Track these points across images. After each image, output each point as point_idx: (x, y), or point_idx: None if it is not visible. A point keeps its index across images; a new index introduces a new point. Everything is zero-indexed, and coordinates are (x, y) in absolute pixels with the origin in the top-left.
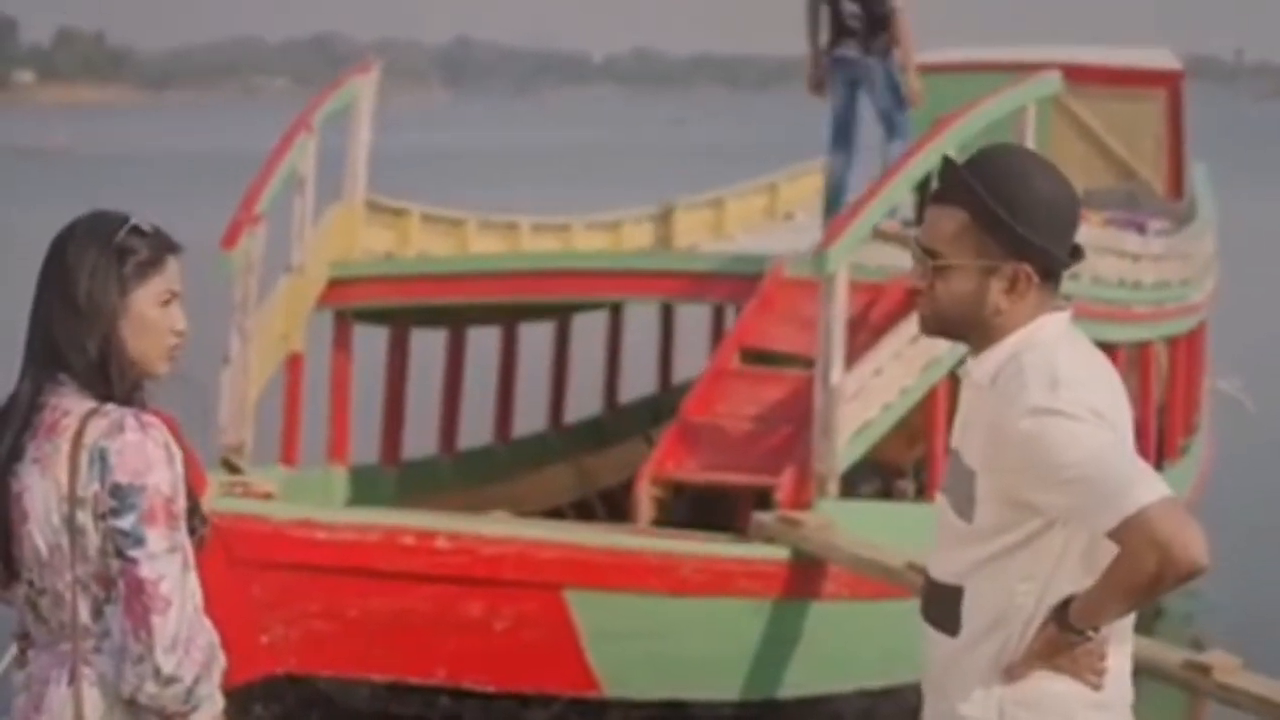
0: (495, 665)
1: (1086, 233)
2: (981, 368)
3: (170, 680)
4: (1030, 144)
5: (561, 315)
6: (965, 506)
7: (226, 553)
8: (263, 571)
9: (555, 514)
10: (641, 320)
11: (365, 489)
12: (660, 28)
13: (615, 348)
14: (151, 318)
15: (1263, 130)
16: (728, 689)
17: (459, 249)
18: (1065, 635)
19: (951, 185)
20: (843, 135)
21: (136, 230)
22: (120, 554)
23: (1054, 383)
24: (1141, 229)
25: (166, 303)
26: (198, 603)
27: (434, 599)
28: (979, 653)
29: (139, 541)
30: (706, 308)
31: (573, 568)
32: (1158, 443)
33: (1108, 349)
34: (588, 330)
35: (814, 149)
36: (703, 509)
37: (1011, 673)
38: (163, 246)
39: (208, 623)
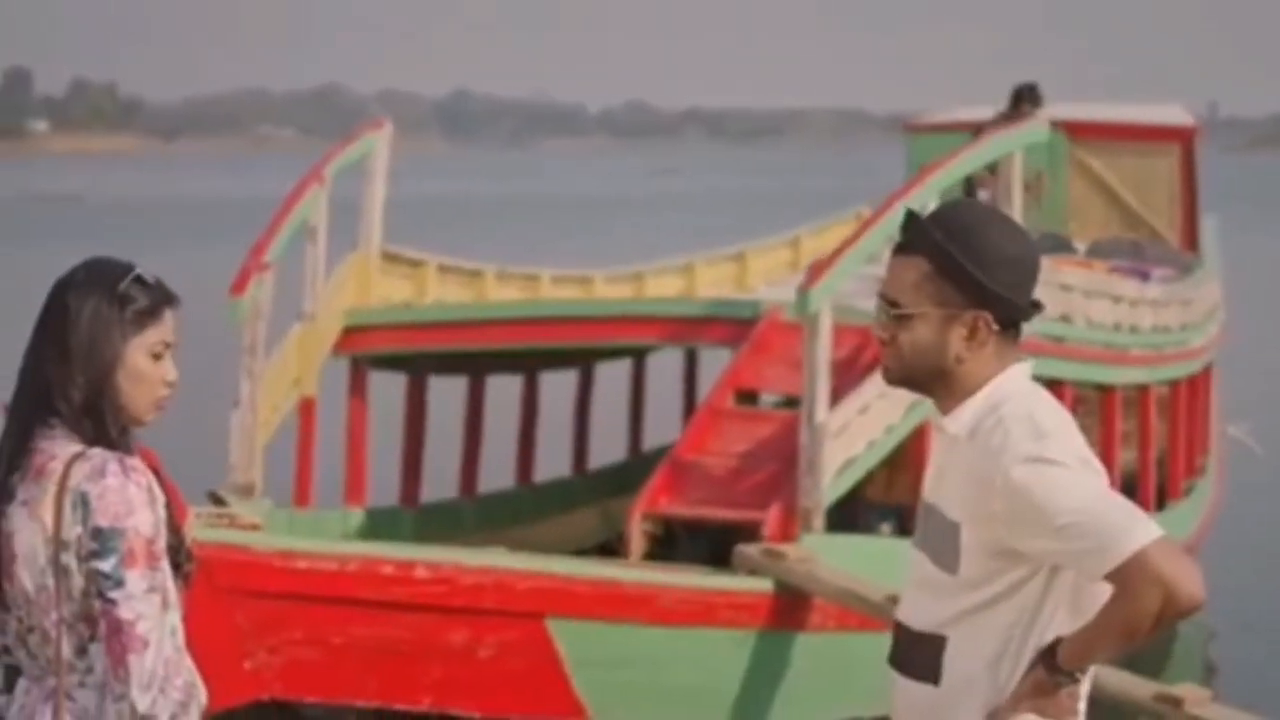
0: (481, 692)
1: (1081, 276)
2: (958, 420)
3: (145, 718)
4: (1016, 191)
5: (584, 362)
6: (949, 559)
7: (209, 582)
8: (245, 600)
9: (579, 556)
10: (666, 367)
11: (383, 530)
12: (652, 81)
13: (639, 394)
14: (143, 368)
15: (1239, 182)
16: (715, 717)
17: (477, 299)
18: (1053, 678)
19: (913, 236)
20: None
21: (139, 280)
22: (101, 595)
23: (1040, 433)
24: (1145, 277)
25: (159, 355)
26: (179, 642)
27: (416, 627)
28: (961, 701)
29: (119, 583)
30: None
31: (553, 597)
32: (1159, 482)
33: (1103, 390)
34: (611, 378)
35: (800, 198)
36: (720, 548)
37: (996, 717)
38: (162, 299)
39: (188, 662)
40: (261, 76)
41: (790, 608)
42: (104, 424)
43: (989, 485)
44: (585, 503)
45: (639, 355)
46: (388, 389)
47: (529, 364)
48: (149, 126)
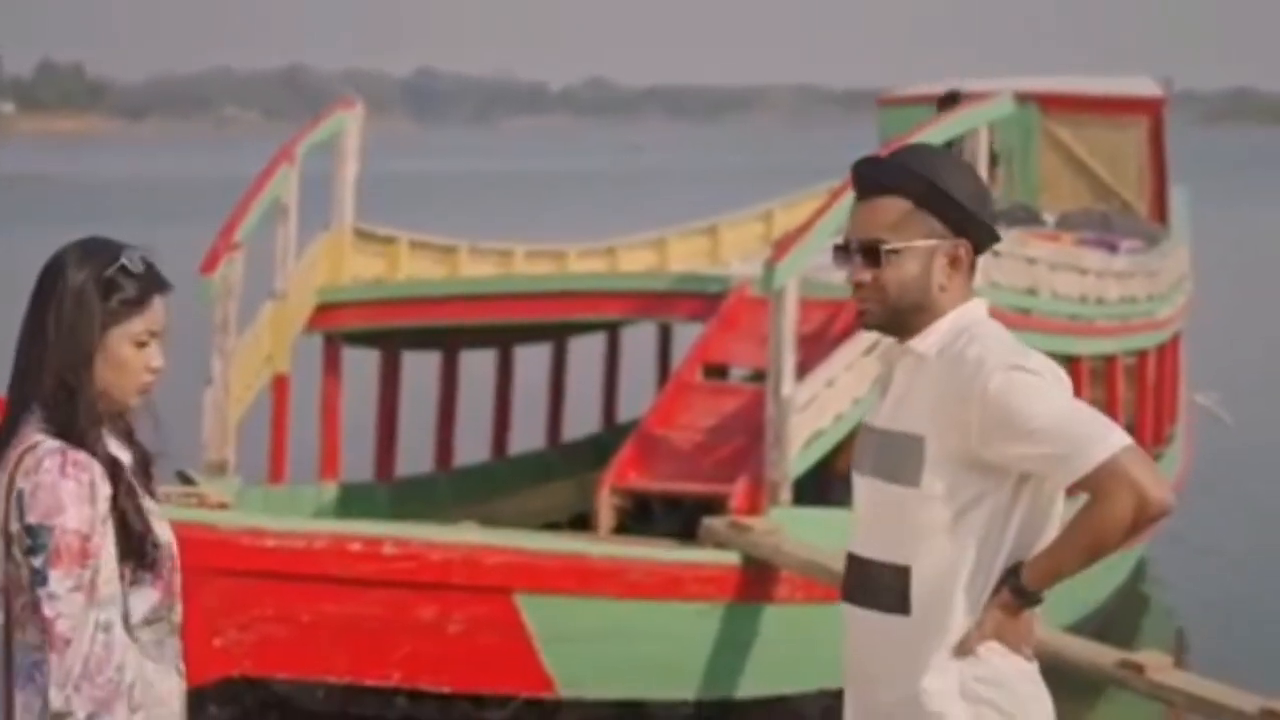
0: (450, 667)
1: (1047, 250)
2: (925, 341)
3: (59, 715)
4: (981, 166)
5: (558, 336)
6: (910, 474)
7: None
8: (214, 578)
9: (552, 528)
10: (640, 340)
11: (358, 504)
12: (613, 59)
13: (613, 367)
14: (126, 356)
15: (1198, 156)
16: (684, 689)
17: (450, 274)
18: (1018, 600)
19: (885, 176)
20: None
21: (125, 269)
22: (33, 589)
23: (1017, 349)
24: (1113, 249)
25: (144, 343)
26: (113, 639)
27: (385, 603)
28: (936, 628)
29: (43, 581)
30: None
31: (521, 572)
32: None
33: (1069, 362)
34: (586, 352)
35: (764, 175)
36: (695, 521)
37: (963, 647)
38: (150, 287)
39: (131, 658)
40: (227, 56)
41: (757, 580)
42: (74, 413)
43: (966, 395)
44: (560, 475)
45: (612, 329)
46: (361, 365)
47: (503, 338)
48: (116, 107)
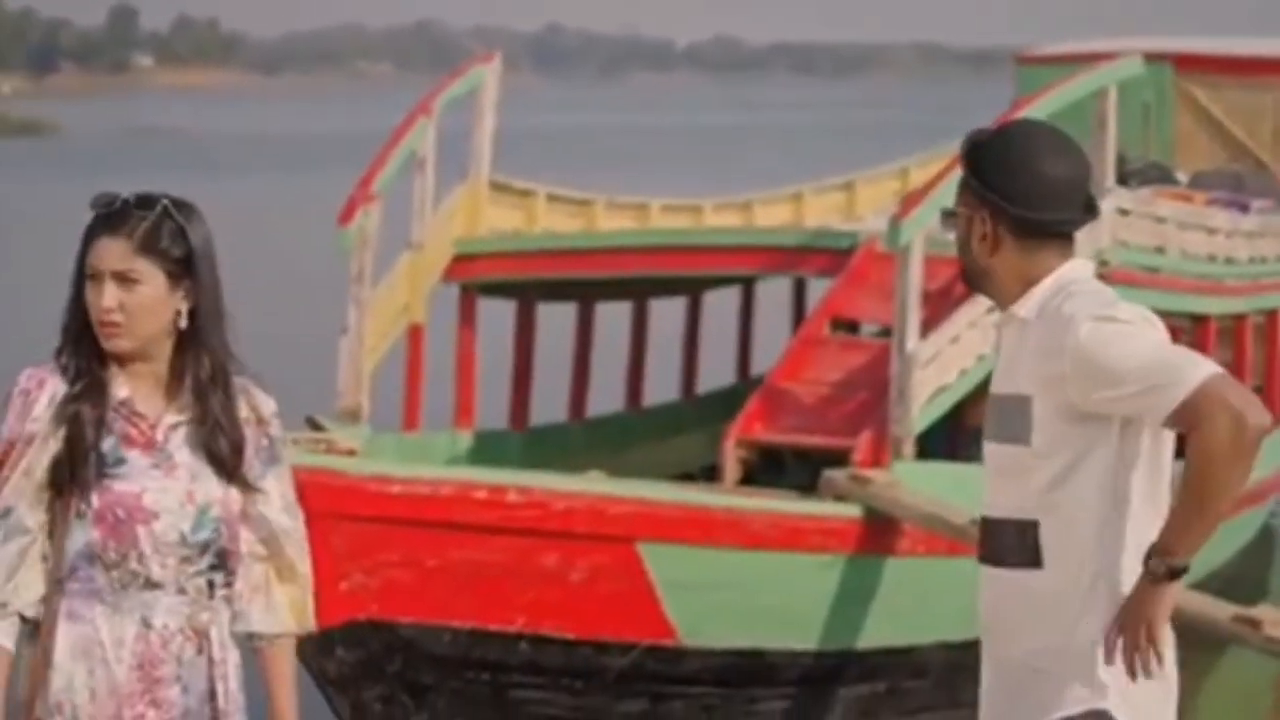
0: (573, 614)
1: (1175, 208)
2: (1025, 305)
3: None
4: (1110, 126)
5: (693, 290)
6: (1022, 432)
7: (304, 505)
8: (340, 523)
9: (685, 478)
10: (777, 294)
11: (491, 452)
12: (739, 16)
13: (748, 321)
14: (88, 294)
15: None
16: (805, 638)
17: (587, 228)
18: (1168, 578)
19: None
20: None
21: (95, 210)
22: None
23: (1108, 300)
24: (1245, 209)
25: (92, 279)
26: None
27: (509, 550)
28: (1069, 579)
29: None
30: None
31: (643, 521)
32: None
33: (1198, 320)
34: (720, 306)
35: (887, 134)
36: None
37: (1113, 644)
38: (92, 225)
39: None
40: (359, 12)
41: (878, 533)
42: (64, 346)
43: (1060, 349)
44: (693, 427)
45: (747, 283)
46: (497, 317)
47: (638, 291)
48: (249, 62)
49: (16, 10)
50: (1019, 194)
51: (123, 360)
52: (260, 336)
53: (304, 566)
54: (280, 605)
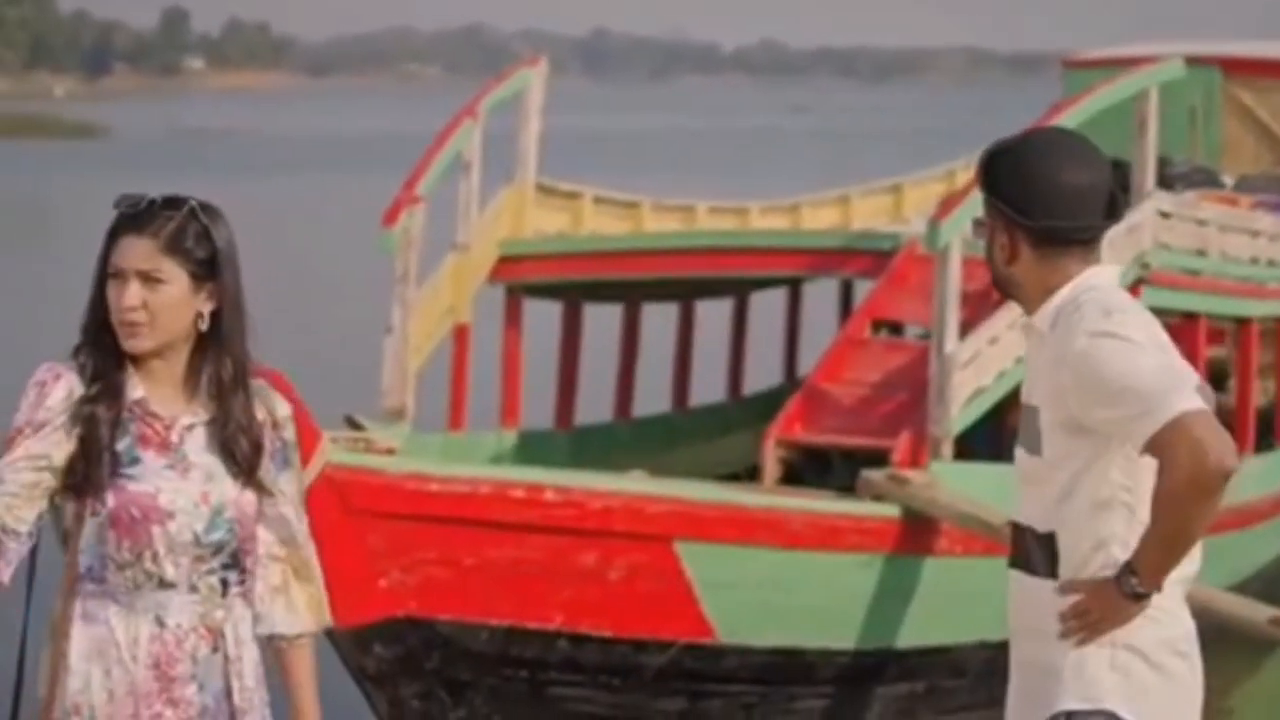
0: (611, 611)
1: (1216, 211)
2: (1042, 317)
3: None
4: (1151, 129)
5: (739, 291)
6: (1035, 443)
7: (344, 503)
8: (378, 521)
9: (731, 478)
10: (824, 296)
11: (537, 452)
12: (784, 20)
13: (794, 322)
14: (109, 293)
15: None
16: (843, 637)
17: (634, 230)
18: (1129, 600)
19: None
20: None
21: (119, 209)
22: None
23: (1107, 311)
24: None
25: (114, 277)
26: None
27: (547, 548)
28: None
29: None
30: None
31: (681, 520)
32: None
33: (1241, 323)
34: (768, 307)
35: (928, 137)
36: None
37: (1064, 626)
38: (116, 224)
39: None
40: (408, 15)
41: (916, 533)
42: (83, 345)
43: (1062, 360)
44: (739, 427)
45: (794, 284)
46: (542, 319)
47: (685, 292)
48: (300, 64)
49: (71, 13)
50: (1031, 204)
51: (140, 360)
52: (306, 334)
53: (317, 564)
54: (300, 605)
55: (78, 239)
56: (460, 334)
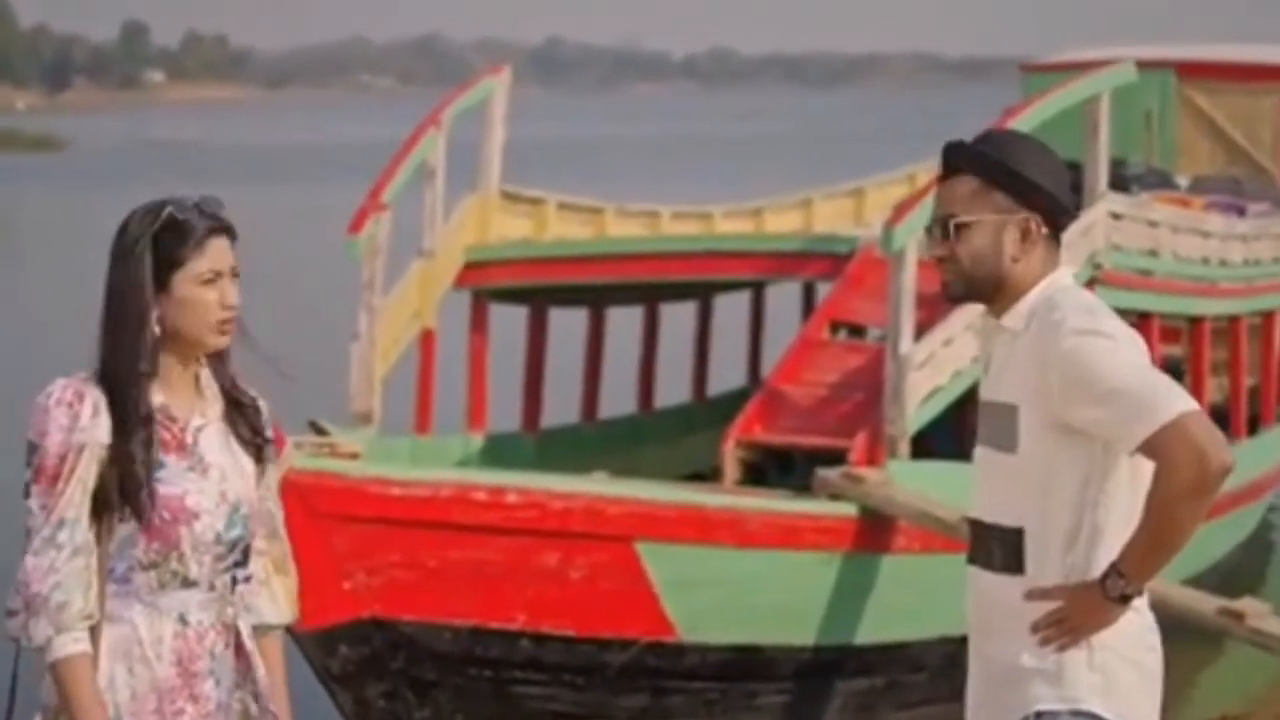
0: (573, 611)
1: (1168, 212)
2: (1015, 316)
3: (8, 613)
4: (1103, 132)
5: (703, 295)
6: (1009, 440)
7: (308, 507)
8: (342, 524)
9: (696, 478)
10: (786, 298)
11: (504, 454)
12: (734, 28)
13: (758, 324)
14: (193, 297)
15: None
16: (802, 634)
17: (597, 235)
18: (1115, 599)
19: (960, 158)
20: None
21: (174, 217)
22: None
23: (1091, 311)
24: (1242, 212)
25: (209, 281)
26: (79, 565)
27: (509, 550)
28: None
29: (27, 494)
30: None
31: (641, 521)
32: (1251, 410)
33: (1193, 321)
34: (731, 310)
35: (879, 141)
36: None
37: (1044, 630)
38: (205, 228)
39: (81, 583)
40: (363, 27)
41: (873, 530)
42: (111, 360)
43: (1045, 360)
44: (704, 427)
45: (757, 287)
46: (508, 324)
47: (649, 296)
48: (257, 76)
49: (31, 27)
50: (1062, 192)
51: (160, 367)
52: (269, 344)
53: (293, 557)
54: (280, 596)
55: (41, 248)
56: (427, 339)
